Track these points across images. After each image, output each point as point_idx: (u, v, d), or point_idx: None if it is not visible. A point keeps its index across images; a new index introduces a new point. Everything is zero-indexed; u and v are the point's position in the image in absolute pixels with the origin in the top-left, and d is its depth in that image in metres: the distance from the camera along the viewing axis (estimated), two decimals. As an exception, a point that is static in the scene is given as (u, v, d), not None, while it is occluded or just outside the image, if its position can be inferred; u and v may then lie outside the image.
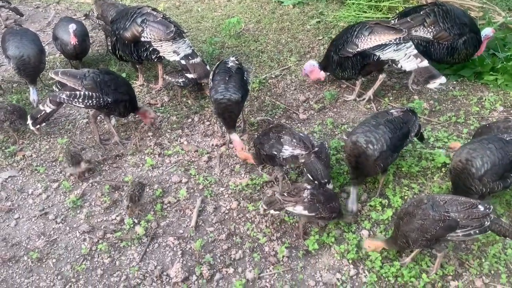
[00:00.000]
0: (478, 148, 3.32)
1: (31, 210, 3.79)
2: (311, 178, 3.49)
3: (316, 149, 3.59)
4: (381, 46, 4.43)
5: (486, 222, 2.92)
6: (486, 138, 3.43)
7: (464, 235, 2.94)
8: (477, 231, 2.93)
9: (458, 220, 2.90)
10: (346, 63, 4.67)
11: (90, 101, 4.13)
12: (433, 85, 4.37)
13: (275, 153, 3.55)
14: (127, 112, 4.38)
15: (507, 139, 3.36)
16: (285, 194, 3.36)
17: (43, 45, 5.31)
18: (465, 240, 3.33)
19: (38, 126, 4.31)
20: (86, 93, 4.11)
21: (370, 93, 4.84)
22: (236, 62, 4.33)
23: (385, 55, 4.45)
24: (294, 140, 3.52)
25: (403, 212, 3.08)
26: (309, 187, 3.36)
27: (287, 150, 3.51)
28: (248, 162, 4.05)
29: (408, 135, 3.67)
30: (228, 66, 4.24)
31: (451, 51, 4.73)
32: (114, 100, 4.18)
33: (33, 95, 4.78)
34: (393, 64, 4.53)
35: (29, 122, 4.29)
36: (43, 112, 4.28)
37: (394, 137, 3.53)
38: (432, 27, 4.69)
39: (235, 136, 4.05)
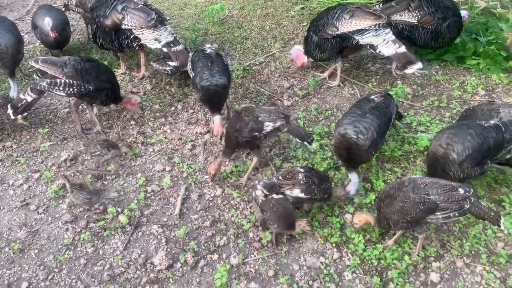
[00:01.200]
0: (459, 133, 3.32)
1: (12, 201, 3.74)
2: (299, 140, 3.66)
3: (290, 115, 3.78)
4: (361, 31, 4.44)
5: (466, 205, 2.95)
6: (466, 124, 3.44)
7: (444, 218, 2.98)
8: (457, 214, 2.96)
9: (438, 202, 2.94)
10: (325, 45, 4.67)
11: (71, 89, 4.06)
12: (410, 70, 4.40)
13: (257, 133, 3.56)
14: (109, 100, 4.31)
15: (485, 125, 3.35)
16: (281, 178, 3.39)
17: (22, 34, 5.20)
18: (445, 223, 3.37)
19: (20, 116, 4.22)
20: (67, 81, 4.04)
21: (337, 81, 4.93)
22: (213, 48, 4.35)
23: (364, 39, 4.48)
24: (272, 114, 3.62)
25: (385, 194, 3.11)
26: (302, 170, 3.40)
27: (269, 126, 3.58)
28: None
29: (391, 119, 3.69)
30: (207, 52, 4.23)
31: (435, 35, 4.74)
32: (95, 88, 4.11)
33: (13, 91, 4.66)
34: (372, 49, 4.55)
35: (10, 111, 4.20)
36: (24, 101, 4.20)
37: (381, 123, 3.53)
38: (416, 12, 4.68)
39: (218, 118, 4.06)
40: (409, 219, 2.98)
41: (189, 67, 4.26)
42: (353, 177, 3.59)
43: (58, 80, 4.05)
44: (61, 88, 4.05)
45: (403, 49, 4.40)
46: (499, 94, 4.70)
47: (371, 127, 3.47)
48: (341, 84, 4.94)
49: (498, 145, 3.31)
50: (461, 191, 2.97)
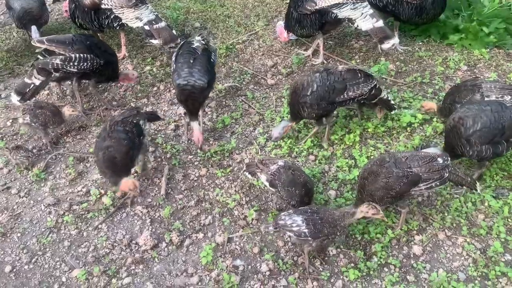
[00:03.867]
0: (474, 109, 3.30)
1: (-8, 185, 3.69)
2: None
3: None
4: (339, 4, 4.41)
5: (445, 174, 3.01)
6: (488, 101, 3.44)
7: (427, 188, 3.03)
8: (438, 183, 3.02)
9: (420, 174, 2.97)
10: (305, 21, 4.62)
11: (85, 64, 3.97)
12: (387, 45, 4.35)
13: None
14: (115, 75, 4.28)
15: (508, 104, 3.34)
16: (261, 160, 3.38)
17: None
18: (428, 194, 3.42)
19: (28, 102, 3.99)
20: (81, 55, 3.95)
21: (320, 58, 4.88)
22: (202, 42, 4.02)
23: (342, 13, 4.43)
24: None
25: (367, 172, 3.12)
26: (281, 163, 3.31)
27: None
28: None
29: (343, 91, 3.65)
30: (193, 46, 3.90)
31: (419, 11, 4.69)
32: (105, 62, 4.09)
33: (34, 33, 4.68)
34: (350, 23, 4.54)
35: (16, 98, 3.98)
36: (32, 85, 3.98)
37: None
38: None
39: (196, 125, 3.80)
40: (393, 194, 3.02)
41: (172, 58, 3.99)
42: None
43: (72, 55, 3.92)
44: (75, 64, 3.94)
45: (380, 23, 4.37)
46: (481, 70, 4.72)
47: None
48: (325, 62, 4.91)
49: None
50: (440, 160, 3.02)
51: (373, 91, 3.72)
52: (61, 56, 3.93)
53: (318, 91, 3.63)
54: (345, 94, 3.66)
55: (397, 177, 2.99)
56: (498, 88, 3.62)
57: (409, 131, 4.02)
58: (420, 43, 5.12)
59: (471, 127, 3.24)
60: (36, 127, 3.84)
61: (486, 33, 4.97)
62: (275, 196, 3.39)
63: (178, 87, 3.71)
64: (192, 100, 3.73)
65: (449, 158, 3.05)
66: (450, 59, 4.84)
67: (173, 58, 3.95)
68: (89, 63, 3.99)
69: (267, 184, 3.28)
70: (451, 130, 3.34)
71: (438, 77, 4.61)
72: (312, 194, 3.31)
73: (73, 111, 3.96)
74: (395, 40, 4.38)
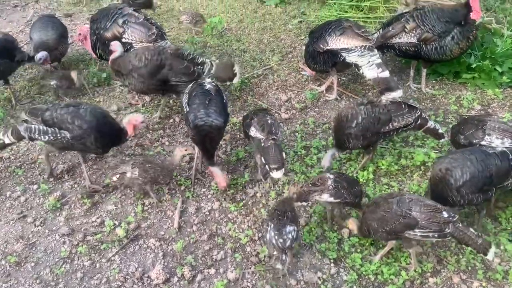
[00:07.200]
0: (459, 159, 3.30)
1: (9, 213, 3.73)
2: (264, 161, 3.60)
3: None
4: (347, 49, 4.52)
5: (447, 229, 2.96)
6: (469, 149, 3.44)
7: (422, 236, 3.00)
8: (436, 235, 2.99)
9: (419, 220, 2.96)
10: (318, 57, 4.78)
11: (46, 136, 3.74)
12: (388, 97, 4.21)
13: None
14: (116, 139, 3.91)
15: (490, 151, 3.33)
16: (310, 185, 3.43)
17: (21, 45, 5.22)
18: (427, 241, 3.35)
19: None
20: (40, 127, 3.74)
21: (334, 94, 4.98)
22: (213, 84, 4.08)
23: (349, 58, 4.55)
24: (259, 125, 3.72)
25: (371, 202, 3.21)
26: (331, 176, 3.41)
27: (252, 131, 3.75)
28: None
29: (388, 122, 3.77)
30: (206, 88, 3.95)
31: (440, 50, 4.75)
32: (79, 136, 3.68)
33: None
34: (356, 69, 4.64)
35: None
36: (1, 141, 3.90)
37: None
38: (414, 32, 4.74)
39: (216, 170, 3.78)
40: (387, 230, 3.03)
41: (184, 100, 3.98)
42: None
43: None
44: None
45: (386, 74, 4.40)
46: (495, 109, 4.75)
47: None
48: (338, 98, 4.98)
49: (503, 173, 3.26)
50: (445, 214, 2.98)
51: (419, 121, 3.80)
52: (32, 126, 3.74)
53: (363, 122, 3.73)
54: (390, 125, 3.75)
55: (395, 214, 3.02)
56: (501, 129, 3.61)
57: (423, 170, 4.02)
58: (433, 81, 5.18)
59: (460, 178, 3.22)
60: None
61: (499, 72, 5.02)
62: (335, 208, 3.46)
63: (195, 128, 3.71)
64: (210, 140, 3.75)
65: (456, 216, 2.99)
66: (463, 98, 4.87)
67: (185, 100, 3.95)
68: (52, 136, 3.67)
69: (331, 199, 3.33)
70: (440, 181, 3.30)
71: (452, 116, 4.63)
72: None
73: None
74: (398, 93, 4.30)
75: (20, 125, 3.81)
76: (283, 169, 3.55)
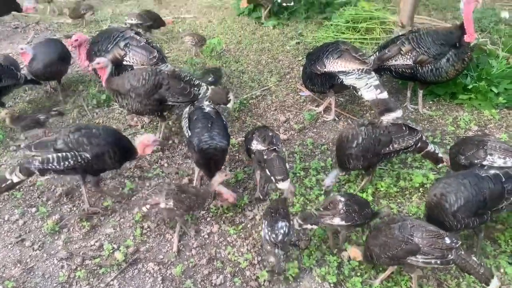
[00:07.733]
0: (453, 183, 3.30)
1: (7, 237, 3.71)
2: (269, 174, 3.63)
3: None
4: (345, 72, 4.59)
5: (450, 255, 2.94)
6: (462, 173, 3.44)
7: (424, 262, 2.98)
8: (438, 262, 2.96)
9: (420, 246, 2.95)
10: (316, 79, 4.85)
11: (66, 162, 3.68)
12: (387, 118, 4.26)
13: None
14: (127, 155, 3.95)
15: (483, 175, 3.33)
16: (321, 209, 3.44)
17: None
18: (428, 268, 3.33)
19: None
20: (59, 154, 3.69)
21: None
22: (212, 106, 4.15)
23: (347, 80, 4.62)
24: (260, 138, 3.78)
25: (374, 227, 3.22)
26: (342, 199, 3.41)
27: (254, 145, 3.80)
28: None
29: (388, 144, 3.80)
30: (206, 111, 4.03)
31: (436, 71, 4.81)
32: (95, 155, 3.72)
33: None
34: (354, 91, 4.69)
35: None
36: (9, 181, 3.78)
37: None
38: (409, 54, 4.81)
39: (222, 188, 3.78)
40: (390, 255, 3.02)
41: (184, 124, 4.04)
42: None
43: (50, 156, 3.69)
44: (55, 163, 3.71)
45: (384, 95, 4.45)
46: (492, 130, 4.79)
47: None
48: (336, 118, 5.02)
49: (497, 196, 3.27)
50: (447, 240, 2.96)
51: (419, 143, 3.84)
52: (39, 158, 3.67)
53: (363, 143, 3.76)
54: (390, 147, 3.78)
55: (396, 240, 3.01)
56: (502, 149, 3.62)
57: (421, 191, 4.03)
58: (430, 102, 5.23)
59: (455, 203, 3.22)
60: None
61: (495, 93, 5.08)
62: (343, 230, 3.47)
63: (200, 151, 3.73)
64: (215, 162, 3.79)
65: (459, 242, 2.98)
66: (460, 118, 4.92)
67: (186, 124, 3.99)
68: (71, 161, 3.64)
69: (342, 223, 3.33)
70: (435, 206, 3.30)
71: (449, 137, 4.67)
72: None
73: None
74: (398, 113, 4.32)
75: (30, 161, 3.68)
76: (289, 179, 3.59)
